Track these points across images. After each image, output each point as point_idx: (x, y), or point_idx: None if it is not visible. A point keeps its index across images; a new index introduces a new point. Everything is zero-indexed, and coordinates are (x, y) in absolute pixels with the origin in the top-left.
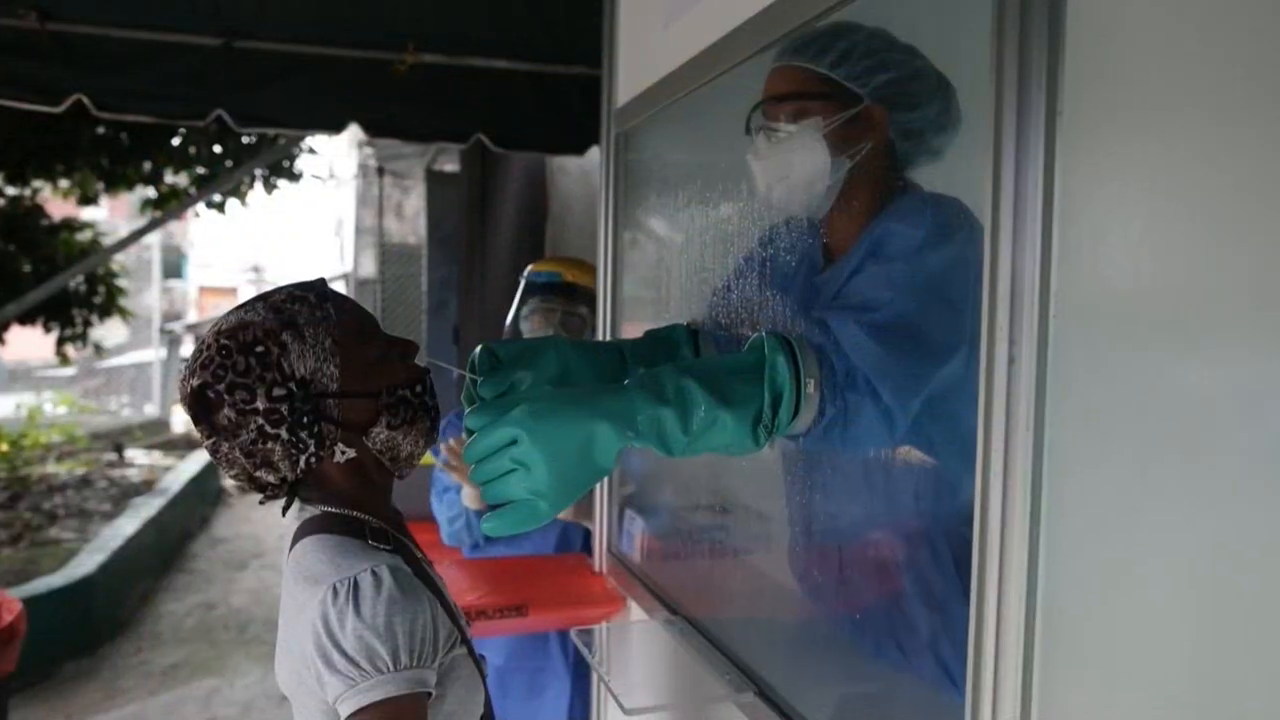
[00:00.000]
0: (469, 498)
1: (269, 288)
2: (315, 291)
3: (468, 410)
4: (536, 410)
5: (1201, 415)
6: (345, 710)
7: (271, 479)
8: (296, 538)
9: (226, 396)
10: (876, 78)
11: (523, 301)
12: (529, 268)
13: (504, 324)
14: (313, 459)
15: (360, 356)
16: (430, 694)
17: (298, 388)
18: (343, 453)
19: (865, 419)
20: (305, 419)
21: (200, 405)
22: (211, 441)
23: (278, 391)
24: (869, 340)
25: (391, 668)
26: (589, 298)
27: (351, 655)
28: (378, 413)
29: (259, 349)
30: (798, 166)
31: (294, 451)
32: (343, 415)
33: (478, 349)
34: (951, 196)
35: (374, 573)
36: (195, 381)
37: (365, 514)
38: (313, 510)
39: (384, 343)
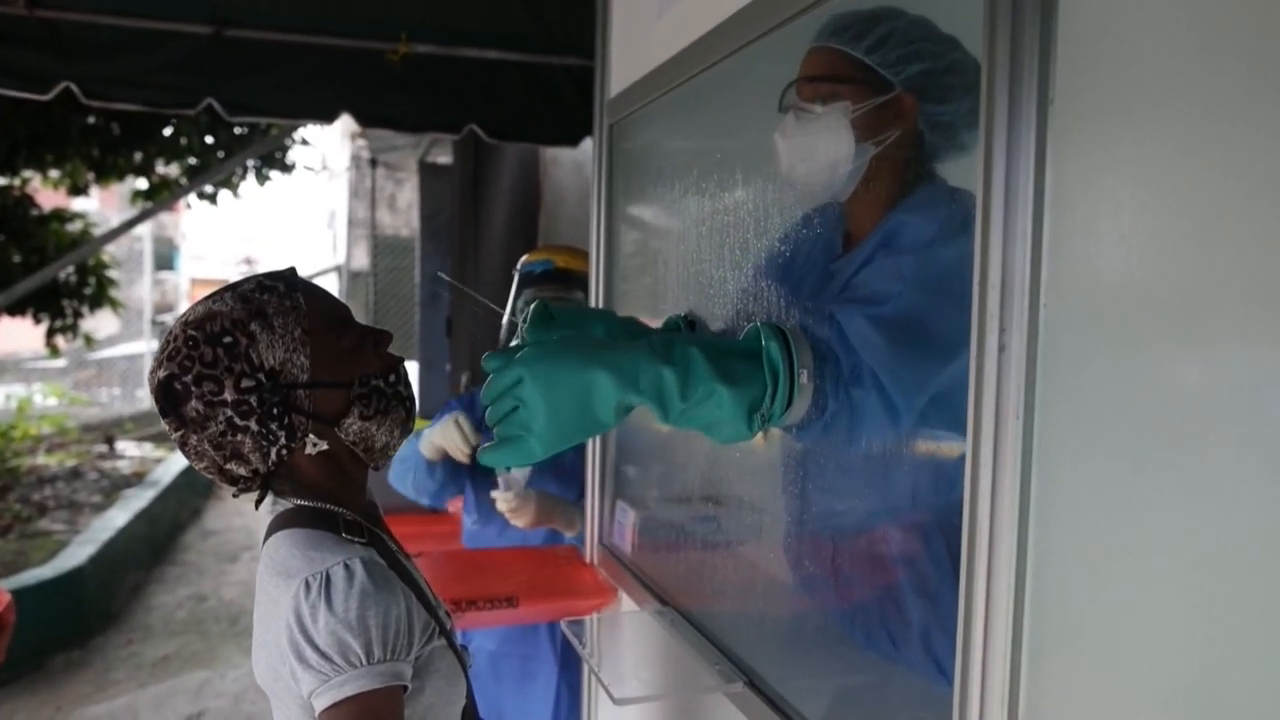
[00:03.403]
0: (426, 446)
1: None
2: (285, 281)
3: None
4: (541, 353)
5: (1191, 406)
6: (320, 705)
7: (242, 471)
8: (270, 532)
9: (194, 388)
10: (911, 67)
11: (518, 293)
12: (522, 259)
13: (499, 317)
14: (284, 451)
15: (331, 346)
16: (406, 687)
17: (266, 379)
18: (314, 444)
19: (870, 415)
20: (275, 410)
21: (167, 397)
22: (180, 434)
23: (246, 383)
24: (875, 334)
25: (365, 661)
26: (583, 283)
27: (324, 650)
28: (350, 403)
29: (226, 339)
30: (822, 148)
31: (264, 443)
32: (314, 406)
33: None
34: (970, 191)
35: (346, 566)
36: (162, 373)
37: (339, 507)
38: (285, 504)
39: (357, 332)
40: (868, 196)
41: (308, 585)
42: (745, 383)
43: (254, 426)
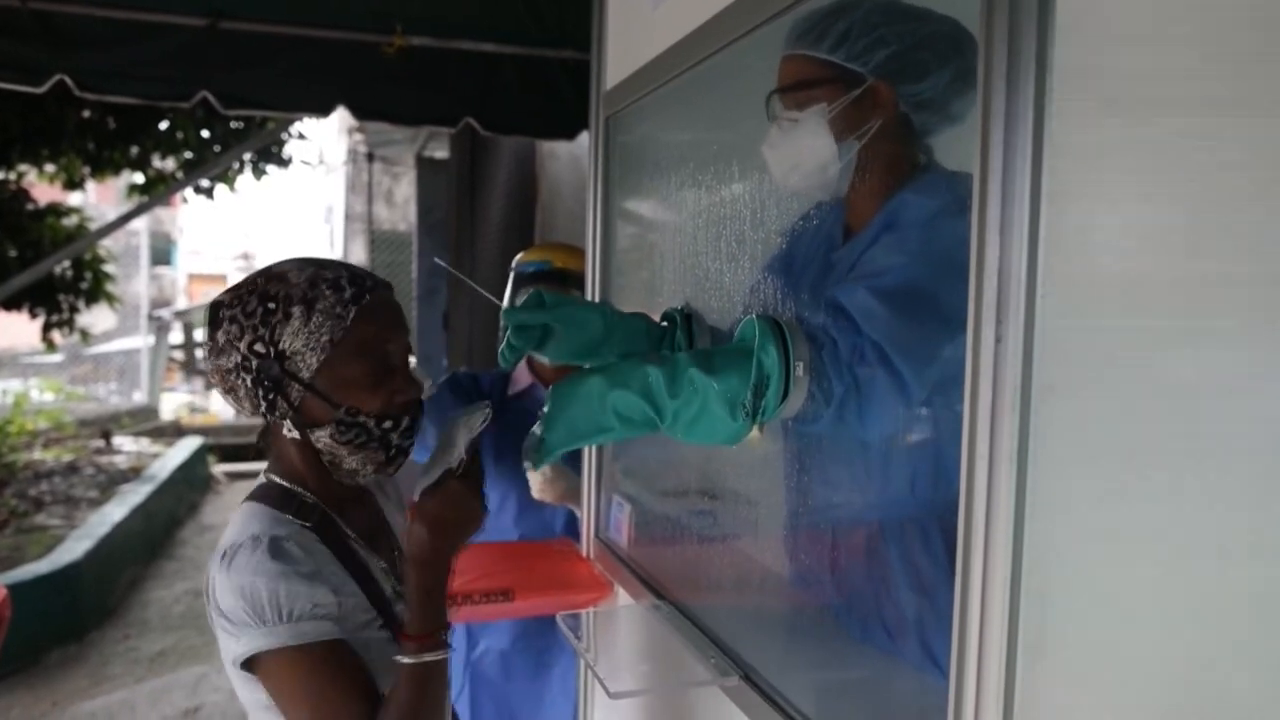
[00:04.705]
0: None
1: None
2: (357, 289)
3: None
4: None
5: (1189, 399)
6: (235, 663)
7: (234, 407)
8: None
9: (226, 323)
10: (877, 54)
11: (514, 293)
12: (517, 258)
13: (496, 311)
14: (266, 417)
15: (345, 368)
16: (334, 643)
17: (273, 356)
18: (289, 431)
19: (878, 392)
20: (265, 384)
21: (212, 316)
22: (208, 348)
23: (258, 348)
24: (877, 304)
25: (259, 622)
26: (580, 282)
27: (226, 611)
28: (330, 421)
29: (271, 304)
30: (807, 153)
31: (253, 400)
32: (300, 402)
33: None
34: (969, 173)
35: (255, 538)
36: (223, 295)
37: (309, 490)
38: (263, 479)
39: (380, 373)
40: (864, 188)
41: (222, 557)
42: (724, 372)
43: (248, 383)
